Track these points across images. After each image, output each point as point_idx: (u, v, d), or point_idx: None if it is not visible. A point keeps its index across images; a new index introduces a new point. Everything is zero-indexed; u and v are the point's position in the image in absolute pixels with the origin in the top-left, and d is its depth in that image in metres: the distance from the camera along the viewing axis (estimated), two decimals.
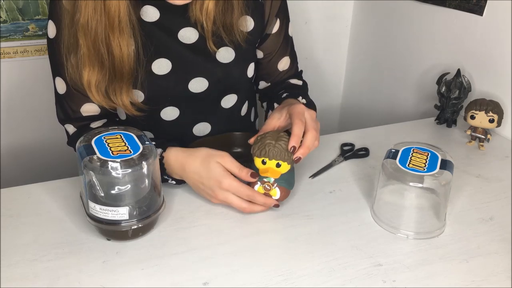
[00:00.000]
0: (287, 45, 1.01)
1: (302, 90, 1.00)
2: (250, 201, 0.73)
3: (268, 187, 0.72)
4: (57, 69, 0.85)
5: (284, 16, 0.98)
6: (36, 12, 1.21)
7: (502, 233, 0.71)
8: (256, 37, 0.94)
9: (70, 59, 0.79)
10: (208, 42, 0.86)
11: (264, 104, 1.04)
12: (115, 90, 0.80)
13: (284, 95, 0.95)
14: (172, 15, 0.84)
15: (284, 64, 1.01)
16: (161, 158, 0.78)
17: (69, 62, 0.80)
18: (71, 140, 0.89)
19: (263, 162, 0.71)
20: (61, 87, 0.85)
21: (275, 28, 0.96)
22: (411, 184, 0.68)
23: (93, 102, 0.85)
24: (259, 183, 0.73)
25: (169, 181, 0.80)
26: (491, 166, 0.91)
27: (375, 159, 0.90)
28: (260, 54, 0.99)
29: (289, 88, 0.99)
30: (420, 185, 0.68)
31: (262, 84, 1.04)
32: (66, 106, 0.87)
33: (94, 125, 0.87)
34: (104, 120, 0.89)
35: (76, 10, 0.75)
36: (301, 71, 1.07)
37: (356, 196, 0.79)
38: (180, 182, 0.79)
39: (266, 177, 0.72)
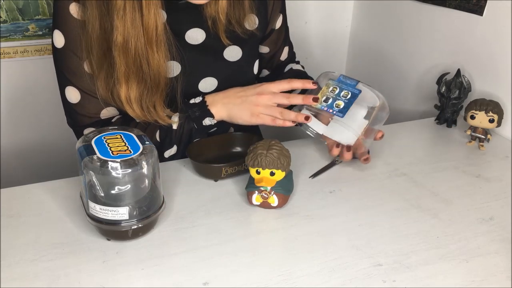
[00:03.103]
0: (287, 36, 1.05)
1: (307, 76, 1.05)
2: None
3: (265, 196, 0.73)
4: (68, 79, 0.84)
5: (284, 10, 1.01)
6: (36, 12, 1.21)
7: (502, 233, 0.71)
8: (260, 35, 0.95)
9: (99, 78, 0.79)
10: (221, 35, 0.87)
11: None
12: (153, 102, 0.81)
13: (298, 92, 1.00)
14: (178, 17, 0.84)
15: (285, 53, 1.06)
16: (202, 98, 0.85)
17: (98, 82, 0.80)
18: None
19: (257, 172, 0.72)
20: (74, 96, 0.84)
21: (279, 23, 0.98)
22: None
23: (115, 106, 0.86)
24: (256, 192, 0.73)
25: (208, 122, 0.84)
26: (491, 166, 0.91)
27: (376, 159, 0.90)
28: (265, 50, 1.03)
29: (297, 78, 1.03)
30: None
31: (264, 73, 1.08)
32: (82, 114, 0.86)
33: (114, 119, 0.88)
34: (120, 116, 0.89)
35: (113, 31, 0.74)
36: (294, 53, 1.12)
37: (356, 196, 0.79)
38: (218, 123, 0.86)
39: (262, 186, 0.72)
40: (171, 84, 0.83)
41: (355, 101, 0.80)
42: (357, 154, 0.84)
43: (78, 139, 0.88)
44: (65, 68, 0.83)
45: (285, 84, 0.83)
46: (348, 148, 0.83)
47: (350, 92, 0.80)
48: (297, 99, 0.82)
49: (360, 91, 0.80)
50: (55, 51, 0.83)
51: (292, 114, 0.81)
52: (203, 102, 0.85)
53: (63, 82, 0.85)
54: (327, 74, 0.85)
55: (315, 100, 0.81)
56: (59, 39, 0.81)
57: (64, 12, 0.79)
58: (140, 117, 0.82)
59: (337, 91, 0.81)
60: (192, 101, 0.85)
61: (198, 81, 0.89)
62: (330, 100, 0.81)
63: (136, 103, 0.80)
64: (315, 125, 0.83)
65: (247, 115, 0.83)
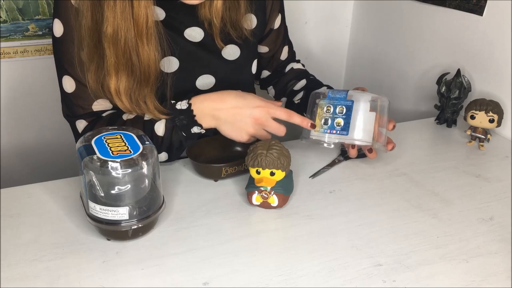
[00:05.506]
0: (286, 35, 1.06)
1: (313, 78, 1.06)
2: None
3: (265, 196, 0.73)
4: (65, 68, 0.83)
5: (283, 9, 1.01)
6: (36, 12, 1.21)
7: (502, 233, 0.71)
8: (259, 34, 0.96)
9: (89, 70, 0.79)
10: (216, 39, 0.87)
11: (269, 89, 1.10)
12: (143, 96, 0.80)
13: (302, 93, 1.01)
14: (177, 15, 0.85)
15: (285, 53, 1.07)
16: (189, 105, 0.80)
17: (89, 74, 0.79)
18: (83, 133, 0.87)
19: (258, 172, 0.72)
20: (70, 85, 0.84)
21: (278, 22, 0.99)
22: None
23: (105, 98, 0.85)
24: (256, 192, 0.73)
25: (197, 131, 0.82)
26: (491, 166, 0.91)
27: (376, 159, 0.90)
28: (265, 49, 1.03)
29: (299, 77, 1.05)
30: None
31: (264, 73, 1.08)
32: (77, 104, 0.85)
33: (105, 114, 0.87)
34: (114, 111, 0.88)
35: (104, 22, 0.74)
36: (294, 52, 1.12)
37: (356, 196, 0.80)
38: (206, 130, 0.83)
39: (262, 186, 0.72)
40: (162, 78, 0.82)
41: (353, 111, 0.81)
42: (380, 145, 0.83)
43: (72, 130, 0.88)
44: (63, 58, 0.83)
45: (284, 115, 0.81)
46: (370, 150, 0.84)
47: (344, 107, 0.82)
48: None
49: (352, 102, 0.82)
50: (54, 41, 0.83)
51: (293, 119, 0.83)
52: (190, 110, 0.81)
53: (61, 72, 0.85)
54: (315, 95, 0.86)
55: (313, 126, 0.82)
56: (58, 28, 0.81)
57: (64, 1, 0.79)
58: (129, 110, 0.82)
59: (332, 110, 0.83)
60: (178, 106, 0.81)
61: (195, 78, 0.89)
62: (330, 121, 0.82)
63: (125, 96, 0.79)
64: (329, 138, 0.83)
65: (236, 136, 0.82)
